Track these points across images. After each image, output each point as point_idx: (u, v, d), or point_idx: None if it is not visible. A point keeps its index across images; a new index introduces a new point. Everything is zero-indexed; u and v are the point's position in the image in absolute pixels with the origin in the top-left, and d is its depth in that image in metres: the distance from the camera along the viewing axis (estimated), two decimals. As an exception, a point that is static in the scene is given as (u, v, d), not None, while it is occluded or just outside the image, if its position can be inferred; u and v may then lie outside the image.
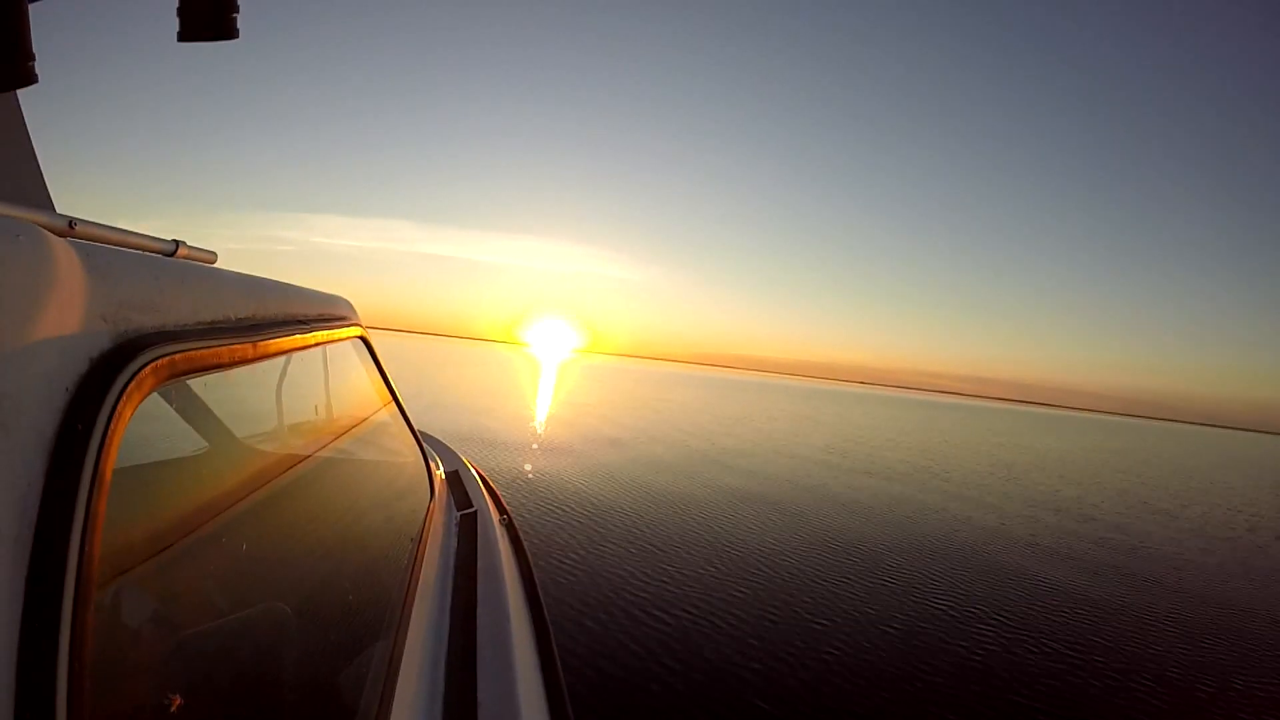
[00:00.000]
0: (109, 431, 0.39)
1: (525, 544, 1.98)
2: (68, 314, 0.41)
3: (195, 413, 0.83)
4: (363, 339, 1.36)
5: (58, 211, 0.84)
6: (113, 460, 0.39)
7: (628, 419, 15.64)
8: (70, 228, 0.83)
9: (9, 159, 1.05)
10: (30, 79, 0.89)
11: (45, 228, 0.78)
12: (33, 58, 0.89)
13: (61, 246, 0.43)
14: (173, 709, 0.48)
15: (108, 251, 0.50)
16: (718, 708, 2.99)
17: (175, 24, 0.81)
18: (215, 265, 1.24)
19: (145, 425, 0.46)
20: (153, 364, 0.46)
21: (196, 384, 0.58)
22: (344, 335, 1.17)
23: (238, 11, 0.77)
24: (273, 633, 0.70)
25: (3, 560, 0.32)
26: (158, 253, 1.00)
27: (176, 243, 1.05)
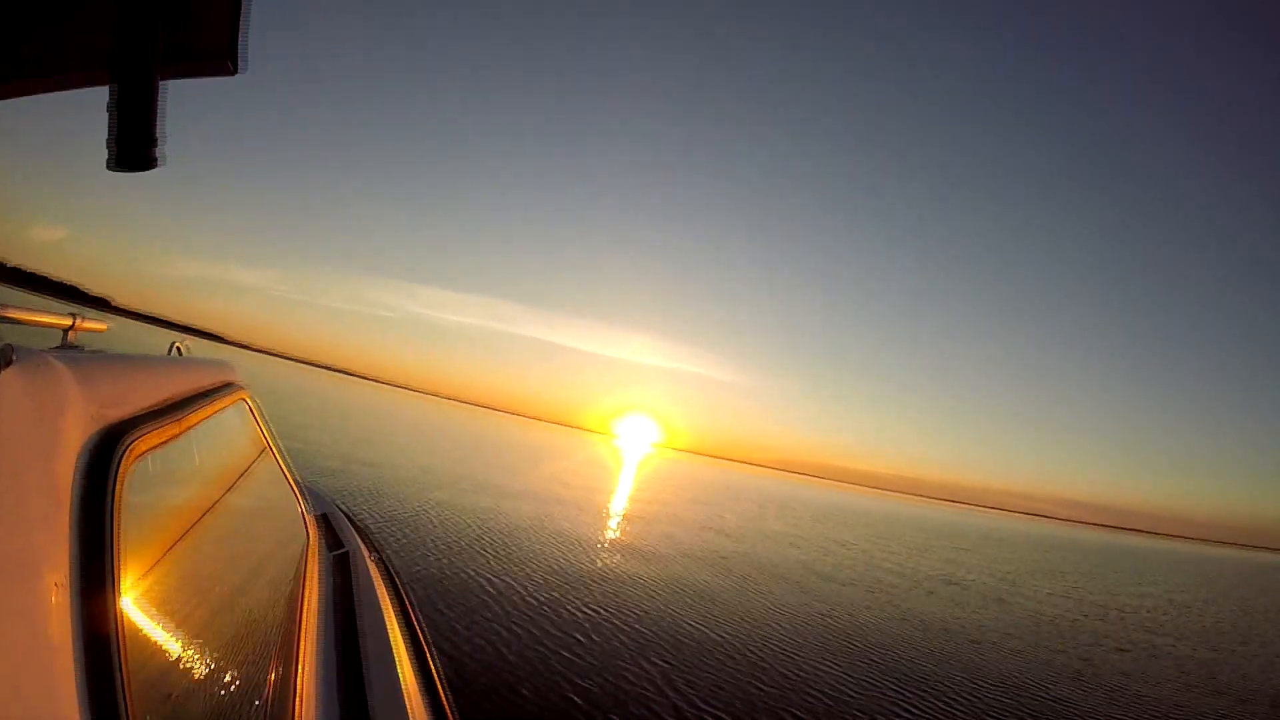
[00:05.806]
0: (113, 502, 0.58)
1: (398, 576, 2.23)
2: (73, 417, 0.60)
3: (145, 483, 0.98)
4: (246, 400, 1.59)
5: None
6: (120, 524, 0.58)
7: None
8: None
9: None
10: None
11: None
12: (155, 143, 0.85)
13: (64, 369, 0.62)
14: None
15: (86, 358, 0.67)
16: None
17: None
18: (105, 333, 1.36)
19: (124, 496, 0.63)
20: (127, 449, 0.65)
21: (151, 458, 0.76)
22: (236, 398, 1.43)
23: (155, 145, 0.81)
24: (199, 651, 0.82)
25: (60, 597, 0.49)
26: (57, 326, 1.09)
27: (74, 316, 1.12)
